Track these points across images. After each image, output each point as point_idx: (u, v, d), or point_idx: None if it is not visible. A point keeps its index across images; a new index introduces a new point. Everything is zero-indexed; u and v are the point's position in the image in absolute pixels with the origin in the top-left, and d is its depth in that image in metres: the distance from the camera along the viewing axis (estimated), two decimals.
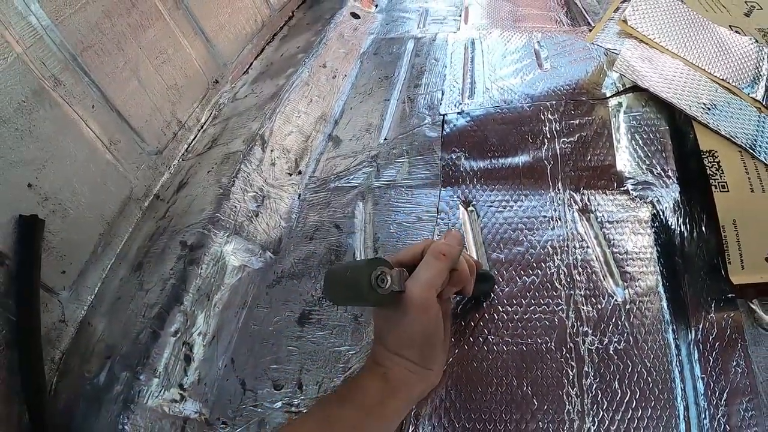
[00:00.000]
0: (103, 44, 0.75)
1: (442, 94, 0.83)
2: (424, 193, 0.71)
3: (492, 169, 0.71)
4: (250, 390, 0.57)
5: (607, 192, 0.65)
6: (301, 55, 0.96)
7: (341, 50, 0.98)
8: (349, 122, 0.83)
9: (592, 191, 0.66)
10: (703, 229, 0.61)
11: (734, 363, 0.52)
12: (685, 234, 0.62)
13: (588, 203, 0.65)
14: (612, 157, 0.68)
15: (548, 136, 0.72)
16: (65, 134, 0.67)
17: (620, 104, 0.73)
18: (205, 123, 0.89)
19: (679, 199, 0.63)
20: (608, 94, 0.75)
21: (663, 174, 0.66)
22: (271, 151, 0.77)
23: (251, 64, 1.02)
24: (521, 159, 0.71)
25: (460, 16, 1.08)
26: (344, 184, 0.75)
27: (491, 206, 0.67)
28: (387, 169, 0.75)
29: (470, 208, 0.68)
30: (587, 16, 1.06)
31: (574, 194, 0.66)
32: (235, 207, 0.70)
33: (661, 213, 0.63)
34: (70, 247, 0.66)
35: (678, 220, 0.62)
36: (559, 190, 0.67)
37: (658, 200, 0.64)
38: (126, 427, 0.54)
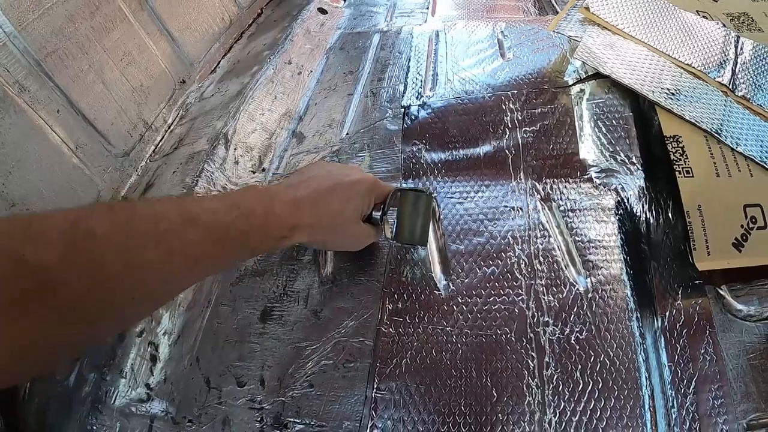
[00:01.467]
0: (66, 48, 0.74)
1: (405, 87, 0.82)
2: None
3: (453, 160, 0.71)
4: (215, 387, 0.57)
5: (570, 180, 0.65)
6: (267, 52, 0.96)
7: (307, 46, 0.98)
8: (313, 118, 0.83)
9: (555, 180, 0.66)
10: (669, 215, 0.61)
11: (702, 350, 0.52)
12: (651, 221, 0.61)
13: (550, 192, 0.65)
14: (575, 145, 0.68)
15: (510, 125, 0.72)
16: (31, 140, 0.68)
17: (583, 91, 0.73)
18: (172, 123, 0.89)
19: (643, 185, 0.63)
20: (570, 82, 0.75)
21: (627, 161, 0.65)
22: (235, 149, 0.76)
23: (219, 62, 1.01)
24: (482, 149, 0.71)
25: (428, 8, 1.08)
26: None
27: (451, 198, 0.67)
28: (348, 163, 0.75)
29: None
30: (555, 6, 1.05)
31: (537, 183, 0.66)
32: None
33: (625, 200, 0.63)
34: None
35: (643, 207, 0.62)
36: (521, 179, 0.67)
37: (622, 187, 0.63)
38: (94, 427, 0.55)
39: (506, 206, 0.64)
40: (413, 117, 0.77)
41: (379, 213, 0.57)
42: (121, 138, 0.81)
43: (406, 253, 0.62)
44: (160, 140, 0.86)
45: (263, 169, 0.76)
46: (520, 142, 0.70)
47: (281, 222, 0.46)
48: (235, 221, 0.42)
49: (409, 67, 0.87)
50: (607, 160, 0.66)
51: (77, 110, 0.74)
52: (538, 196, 0.65)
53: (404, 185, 0.69)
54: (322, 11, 1.06)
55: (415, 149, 0.73)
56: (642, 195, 0.63)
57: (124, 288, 0.35)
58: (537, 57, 0.82)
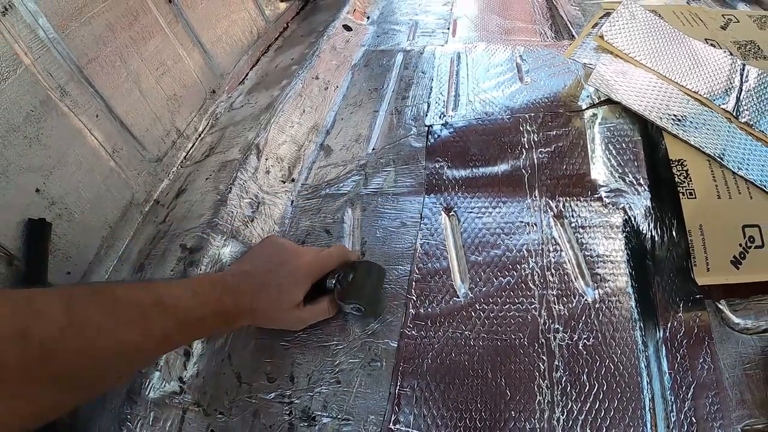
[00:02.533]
0: (106, 56, 0.80)
1: (428, 106, 0.88)
2: (408, 200, 0.76)
3: (473, 177, 0.76)
4: (246, 383, 0.61)
5: (581, 199, 0.70)
6: (295, 66, 1.01)
7: (333, 62, 1.04)
8: (339, 132, 0.89)
9: (567, 198, 0.71)
10: (674, 233, 0.66)
11: (701, 359, 0.56)
12: (656, 238, 0.66)
13: (563, 209, 0.70)
14: (587, 166, 0.73)
15: (526, 146, 0.77)
16: (71, 142, 0.72)
17: (595, 116, 0.78)
18: (202, 132, 0.95)
19: (650, 205, 0.68)
20: (584, 107, 0.80)
21: (635, 182, 0.70)
22: (266, 159, 0.82)
23: (247, 74, 1.07)
24: (500, 168, 0.77)
25: (449, 29, 1.14)
26: (334, 192, 0.80)
27: (471, 212, 0.72)
28: (375, 177, 0.80)
29: (451, 214, 0.73)
30: (571, 29, 1.11)
31: (550, 201, 0.71)
32: (232, 212, 0.75)
33: (632, 219, 0.68)
34: (75, 249, 0.71)
35: (649, 225, 0.67)
36: (535, 197, 0.72)
37: (629, 206, 0.68)
38: (128, 417, 0.58)
39: (522, 221, 0.70)
40: (436, 135, 0.83)
41: (333, 280, 0.63)
42: (155, 144, 0.86)
43: (428, 262, 0.68)
44: (191, 147, 0.92)
45: (293, 180, 0.82)
46: (535, 162, 0.76)
47: (228, 309, 0.53)
48: (194, 308, 0.49)
49: (432, 87, 0.93)
50: (617, 181, 0.71)
51: (115, 116, 0.80)
52: (551, 213, 0.70)
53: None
54: (347, 28, 1.12)
55: (437, 166, 0.79)
56: (648, 214, 0.68)
57: (111, 364, 0.41)
58: (553, 82, 0.87)
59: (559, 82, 0.87)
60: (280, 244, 0.62)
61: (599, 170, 0.73)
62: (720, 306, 0.60)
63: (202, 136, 0.94)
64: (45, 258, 0.64)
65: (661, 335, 0.59)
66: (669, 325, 0.59)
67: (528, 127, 0.80)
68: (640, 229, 0.67)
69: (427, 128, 0.85)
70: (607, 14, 0.91)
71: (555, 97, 0.84)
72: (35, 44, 0.69)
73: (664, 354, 0.58)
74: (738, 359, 0.56)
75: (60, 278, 0.67)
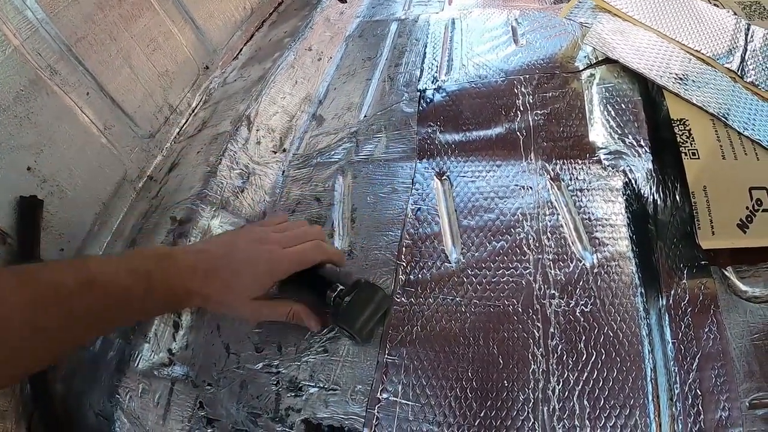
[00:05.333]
0: (96, 35, 0.76)
1: (421, 72, 0.84)
2: (400, 165, 0.72)
3: (466, 141, 0.72)
4: (234, 353, 0.59)
5: (579, 161, 0.65)
6: (288, 39, 0.97)
7: (327, 33, 0.99)
8: (332, 102, 0.84)
9: (564, 161, 0.66)
10: (677, 197, 0.61)
11: (706, 329, 0.52)
12: (658, 202, 0.61)
13: (559, 172, 0.65)
14: (585, 128, 0.68)
15: (521, 108, 0.73)
16: (62, 120, 0.69)
17: (593, 76, 0.73)
18: (195, 107, 0.91)
19: (651, 167, 0.63)
20: (581, 67, 0.75)
21: (635, 143, 0.65)
22: (257, 130, 0.78)
23: (241, 49, 1.03)
24: (495, 131, 0.72)
25: None
26: (325, 160, 0.76)
27: (464, 176, 0.68)
28: (366, 144, 0.75)
29: (444, 178, 0.69)
30: None
31: (546, 164, 0.66)
32: (222, 183, 0.72)
33: (633, 181, 0.63)
34: (68, 226, 0.69)
35: (651, 189, 0.62)
36: (531, 160, 0.67)
37: (630, 169, 0.63)
38: (119, 388, 0.57)
39: (516, 185, 0.65)
40: (428, 100, 0.78)
41: (333, 294, 0.56)
42: (148, 120, 0.83)
43: (419, 227, 0.64)
44: (185, 123, 0.88)
45: (284, 150, 0.78)
46: (531, 124, 0.71)
47: (176, 288, 0.48)
48: (132, 285, 0.44)
49: (425, 53, 0.88)
50: (616, 143, 0.66)
51: (106, 93, 0.76)
52: (548, 176, 0.65)
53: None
54: (342, 0, 1.07)
55: (429, 131, 0.74)
56: (650, 177, 0.63)
57: (28, 347, 0.39)
58: (549, 43, 0.82)
59: (556, 43, 0.82)
60: (253, 233, 0.56)
61: (598, 132, 0.68)
62: (726, 273, 0.56)
63: (195, 111, 0.90)
64: (37, 235, 0.62)
65: (664, 303, 0.55)
66: (672, 292, 0.55)
67: (523, 89, 0.75)
68: (642, 192, 0.62)
69: (419, 93, 0.80)
70: None
71: (551, 59, 0.79)
72: (24, 25, 0.66)
73: (667, 322, 0.53)
74: (746, 329, 0.52)
75: (53, 255, 0.65)
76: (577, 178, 0.64)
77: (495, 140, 0.70)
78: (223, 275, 0.50)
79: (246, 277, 0.51)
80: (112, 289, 0.43)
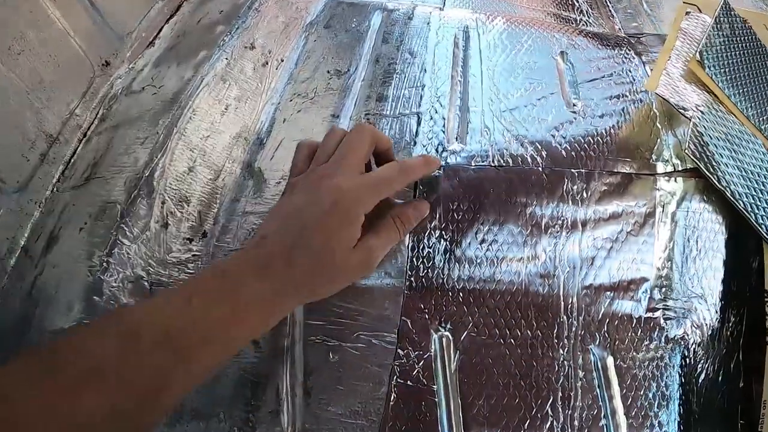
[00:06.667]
0: None
1: (418, 123, 0.54)
2: (384, 303, 0.46)
3: (480, 283, 0.47)
4: None
5: (633, 320, 0.45)
6: (222, 27, 0.66)
7: (280, 20, 0.68)
8: (279, 145, 0.56)
9: (614, 319, 0.45)
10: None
11: None
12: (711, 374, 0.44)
13: (606, 336, 0.43)
14: (648, 268, 0.46)
15: (568, 226, 0.48)
16: None
17: (674, 192, 0.49)
18: (88, 129, 0.63)
19: (715, 337, 0.45)
20: (661, 169, 0.50)
21: (702, 296, 0.46)
22: (162, 203, 0.52)
23: (158, 33, 0.72)
24: (524, 268, 0.47)
25: None
26: None
27: (474, 334, 0.45)
28: None
29: (443, 334, 0.46)
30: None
31: (591, 324, 0.44)
32: (112, 303, 0.48)
33: (689, 349, 0.44)
34: None
35: (707, 360, 0.44)
36: (571, 314, 0.44)
37: (691, 329, 0.44)
38: None
39: (549, 357, 0.43)
40: (428, 186, 0.50)
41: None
42: (13, 167, 0.56)
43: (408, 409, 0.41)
44: (71, 157, 0.61)
45: (204, 234, 0.53)
46: (578, 254, 0.47)
47: (262, 311, 0.35)
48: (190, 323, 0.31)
49: (423, 84, 0.58)
50: (684, 295, 0.45)
51: None
52: (591, 354, 0.43)
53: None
54: None
55: (426, 235, 0.49)
56: (710, 347, 0.45)
57: None
58: (614, 108, 0.55)
59: (623, 112, 0.55)
60: (300, 183, 0.41)
61: (664, 276, 0.46)
62: None
63: (88, 135, 0.63)
64: None
65: None
66: None
67: (575, 193, 0.49)
68: (696, 360, 0.44)
69: None
70: (693, 16, 0.57)
71: (618, 142, 0.52)
72: None
73: None
74: None
75: None
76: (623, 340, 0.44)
77: (524, 282, 0.46)
78: (309, 246, 0.36)
79: (330, 231, 0.37)
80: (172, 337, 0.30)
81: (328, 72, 0.62)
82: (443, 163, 0.50)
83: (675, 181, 0.49)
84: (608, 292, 0.45)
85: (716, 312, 0.46)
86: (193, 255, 0.51)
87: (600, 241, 0.48)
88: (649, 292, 0.45)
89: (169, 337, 0.30)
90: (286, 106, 0.60)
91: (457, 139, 0.52)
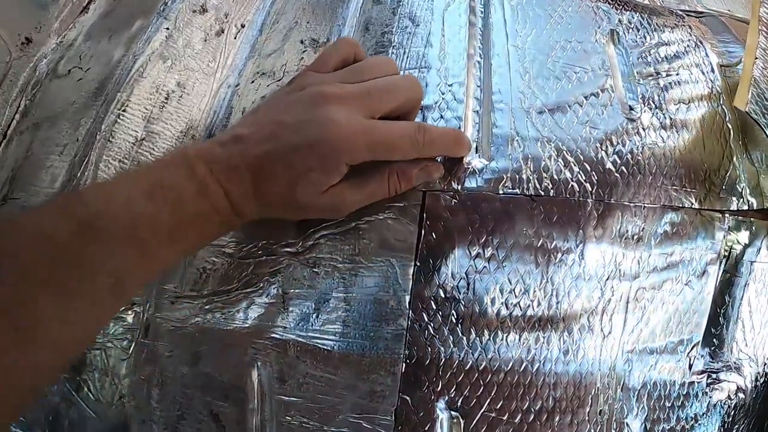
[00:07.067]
0: None
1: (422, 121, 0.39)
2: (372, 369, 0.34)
3: (502, 350, 0.34)
4: None
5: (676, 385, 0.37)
6: None
7: None
8: None
9: (656, 387, 0.37)
10: None
11: None
12: None
13: (645, 407, 0.36)
14: (700, 326, 0.38)
15: (617, 277, 0.35)
16: None
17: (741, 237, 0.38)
18: (9, 127, 0.50)
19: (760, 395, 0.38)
20: (733, 205, 0.38)
21: (753, 358, 0.38)
22: None
23: None
24: (556, 336, 0.34)
25: None
26: (222, 326, 0.38)
27: (491, 416, 0.33)
28: (299, 304, 0.37)
29: (453, 416, 0.33)
30: None
31: (629, 397, 0.35)
32: None
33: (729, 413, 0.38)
34: None
35: (744, 420, 0.38)
36: (608, 387, 0.33)
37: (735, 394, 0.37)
38: None
39: None
40: (435, 215, 0.36)
41: None
42: None
43: None
44: None
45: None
46: (624, 315, 0.35)
47: (217, 205, 0.32)
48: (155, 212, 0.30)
49: (429, 64, 0.41)
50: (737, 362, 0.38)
51: None
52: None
53: None
54: None
55: (432, 292, 0.35)
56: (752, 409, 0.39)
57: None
58: (680, 116, 0.39)
59: (692, 124, 0.39)
60: (304, 90, 0.34)
61: (718, 336, 0.38)
62: None
63: (8, 135, 0.50)
64: None
65: None
66: None
67: (629, 235, 0.35)
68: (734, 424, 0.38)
69: (421, 197, 0.36)
70: None
71: (683, 165, 0.37)
72: None
73: None
74: None
75: None
76: None
77: (554, 360, 0.33)
78: (275, 170, 0.33)
79: (302, 168, 0.33)
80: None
81: (302, 42, 0.46)
82: (457, 186, 0.35)
83: (746, 222, 0.38)
84: (652, 356, 0.37)
85: (765, 374, 0.39)
86: (131, 303, 0.39)
87: (650, 294, 0.36)
88: (696, 353, 0.38)
89: (134, 232, 0.29)
90: (247, 89, 0.45)
91: (477, 151, 0.36)
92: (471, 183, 0.36)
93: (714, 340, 0.38)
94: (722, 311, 0.38)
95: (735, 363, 0.38)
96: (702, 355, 0.38)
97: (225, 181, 0.32)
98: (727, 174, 0.38)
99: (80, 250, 0.27)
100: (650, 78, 0.41)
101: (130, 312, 0.40)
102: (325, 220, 0.37)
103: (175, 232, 0.31)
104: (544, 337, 0.35)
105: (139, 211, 0.29)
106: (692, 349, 0.37)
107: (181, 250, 0.33)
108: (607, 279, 0.36)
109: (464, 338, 0.35)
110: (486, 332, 0.35)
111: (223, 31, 0.48)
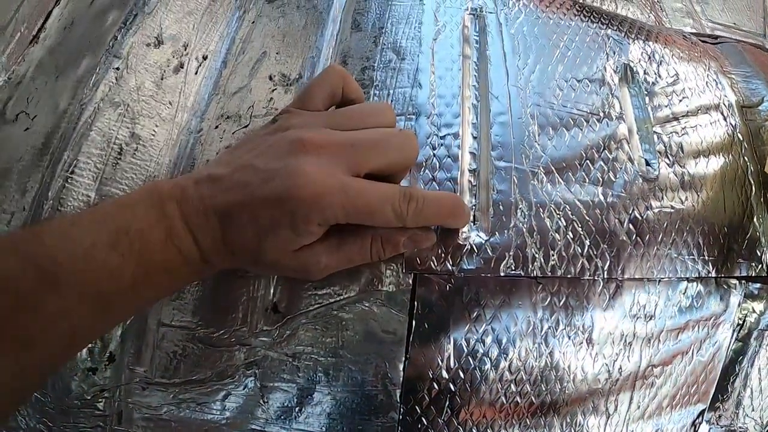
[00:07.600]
0: None
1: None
2: None
3: None
4: None
5: None
6: (115, 14, 0.44)
7: None
8: None
9: None
10: None
11: None
12: None
13: None
14: (706, 395, 0.35)
15: (627, 357, 0.33)
16: None
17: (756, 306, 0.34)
18: None
19: None
20: (751, 272, 0.34)
21: (759, 423, 0.36)
22: None
23: (47, 17, 0.50)
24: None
25: None
26: (198, 416, 0.35)
27: None
28: (280, 398, 0.33)
29: None
30: None
31: None
32: None
33: None
34: None
35: None
36: None
37: None
38: None
39: None
40: (427, 302, 0.31)
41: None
42: None
43: None
44: None
45: (112, 358, 0.36)
46: (631, 393, 0.34)
47: (186, 250, 0.30)
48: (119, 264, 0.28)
49: (418, 112, 0.36)
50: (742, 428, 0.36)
51: None
52: None
53: None
54: None
55: (425, 386, 0.31)
56: None
57: None
58: (700, 171, 0.34)
59: (712, 178, 0.35)
60: (283, 133, 0.32)
61: (724, 408, 0.35)
62: None
63: None
64: None
65: None
66: None
67: (643, 314, 0.32)
68: None
69: (412, 279, 0.32)
70: None
71: (702, 228, 0.34)
72: None
73: None
74: None
75: None
76: None
77: None
78: (242, 221, 0.30)
79: (268, 223, 0.30)
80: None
81: (271, 78, 0.40)
82: (453, 268, 0.31)
83: (764, 288, 0.35)
84: (656, 425, 0.35)
85: None
86: (100, 389, 0.35)
87: (659, 370, 0.34)
88: (702, 419, 0.36)
89: (96, 286, 0.27)
90: (211, 135, 0.40)
91: (474, 221, 0.32)
92: (468, 264, 0.31)
93: (720, 405, 0.36)
94: (732, 379, 0.36)
95: (740, 428, 0.37)
96: (707, 420, 0.36)
97: (194, 226, 0.30)
98: (747, 236, 0.35)
99: (40, 298, 0.26)
100: (667, 124, 0.35)
101: (100, 399, 0.36)
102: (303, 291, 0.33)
103: (140, 285, 0.29)
104: (546, 422, 0.32)
105: (102, 261, 0.27)
106: (699, 416, 0.36)
107: (145, 302, 0.32)
108: (615, 360, 0.32)
109: (461, 428, 0.31)
110: (484, 422, 0.31)
111: (182, 66, 0.43)
